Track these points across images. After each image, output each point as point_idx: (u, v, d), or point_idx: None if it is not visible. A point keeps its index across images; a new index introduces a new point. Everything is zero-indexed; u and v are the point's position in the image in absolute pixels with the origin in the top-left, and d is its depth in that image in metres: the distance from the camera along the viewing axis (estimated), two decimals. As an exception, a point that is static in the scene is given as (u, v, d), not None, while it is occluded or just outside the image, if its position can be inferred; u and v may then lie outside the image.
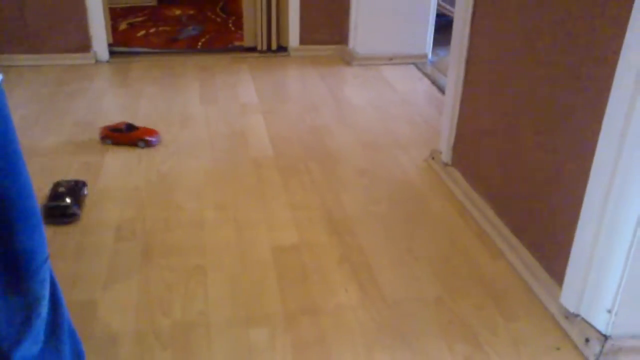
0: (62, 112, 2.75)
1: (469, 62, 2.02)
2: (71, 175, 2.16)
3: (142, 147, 2.37)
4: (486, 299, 1.58)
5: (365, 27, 3.48)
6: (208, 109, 2.82)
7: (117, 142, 2.41)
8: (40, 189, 2.08)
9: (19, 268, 0.96)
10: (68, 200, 1.89)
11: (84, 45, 3.43)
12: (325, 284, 1.63)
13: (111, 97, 2.98)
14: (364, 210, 1.99)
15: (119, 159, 2.31)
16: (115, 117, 2.72)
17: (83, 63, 3.42)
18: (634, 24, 1.19)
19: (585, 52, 1.38)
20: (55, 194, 1.92)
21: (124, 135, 2.41)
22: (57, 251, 1.74)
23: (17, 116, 2.67)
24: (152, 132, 2.45)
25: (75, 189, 1.97)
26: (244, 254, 1.75)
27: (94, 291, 1.58)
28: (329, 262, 1.72)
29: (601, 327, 1.36)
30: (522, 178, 1.71)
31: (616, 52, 1.24)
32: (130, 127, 2.44)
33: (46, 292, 1.01)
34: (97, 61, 3.45)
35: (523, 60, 1.67)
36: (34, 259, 0.97)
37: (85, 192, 2.02)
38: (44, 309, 1.02)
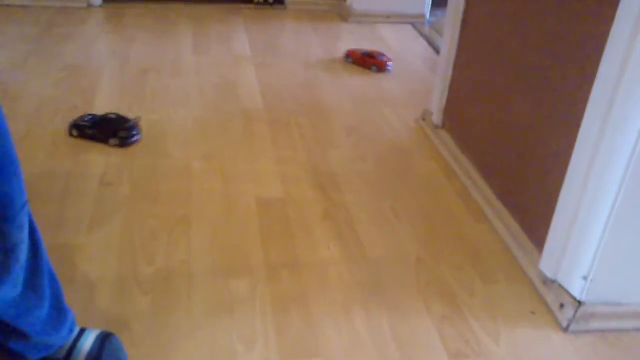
0: (51, 54, 2.71)
1: (464, 24, 1.99)
2: (60, 117, 2.15)
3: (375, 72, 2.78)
4: (466, 261, 1.60)
5: (364, -17, 3.43)
6: (200, 59, 2.78)
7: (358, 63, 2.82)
8: (22, 131, 2.07)
9: None
10: (131, 120, 2.08)
11: (77, -12, 3.36)
12: (308, 238, 1.64)
13: (102, 43, 2.93)
14: (350, 168, 1.99)
15: (109, 104, 2.29)
16: (106, 62, 2.69)
17: (75, 6, 3.36)
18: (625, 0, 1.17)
19: (578, 21, 1.37)
20: (118, 118, 2.09)
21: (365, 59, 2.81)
22: (41, 195, 1.74)
23: (4, 57, 2.64)
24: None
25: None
26: (229, 206, 1.75)
27: (77, 236, 1.59)
28: (312, 217, 1.73)
29: (576, 293, 1.38)
30: (509, 144, 1.71)
31: (608, 24, 1.23)
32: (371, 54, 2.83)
33: (25, 237, 1.01)
34: (90, 5, 3.39)
35: (517, 25, 1.65)
36: (12, 204, 0.97)
37: None
38: (23, 253, 1.02)
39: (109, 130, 2.03)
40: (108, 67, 2.64)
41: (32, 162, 1.89)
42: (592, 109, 1.28)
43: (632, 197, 1.26)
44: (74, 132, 2.04)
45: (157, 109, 2.28)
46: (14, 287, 1.03)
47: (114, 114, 2.11)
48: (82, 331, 1.20)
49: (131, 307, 1.37)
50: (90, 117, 2.08)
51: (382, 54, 2.82)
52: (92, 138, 2.03)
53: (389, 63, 2.80)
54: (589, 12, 1.33)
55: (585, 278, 1.36)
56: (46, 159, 1.92)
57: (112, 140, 2.01)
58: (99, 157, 1.94)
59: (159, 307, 1.38)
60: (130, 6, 3.45)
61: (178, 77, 2.57)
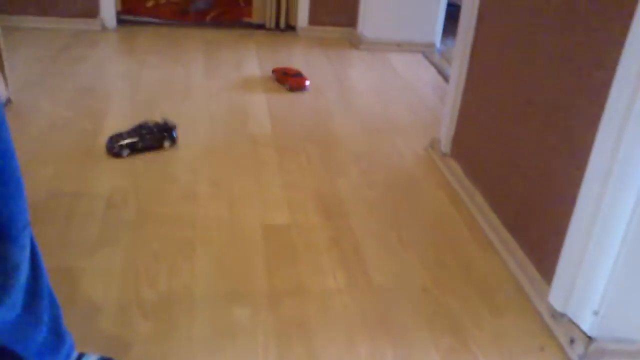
0: (64, 76, 2.74)
1: (473, 54, 1.99)
2: (70, 139, 2.15)
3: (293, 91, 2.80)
4: (473, 292, 1.57)
5: (375, 12, 3.45)
6: (211, 84, 2.79)
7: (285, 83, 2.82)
8: (30, 151, 2.07)
9: None
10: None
11: (92, 11, 3.40)
12: (313, 266, 1.62)
13: (115, 65, 2.95)
14: (358, 195, 1.97)
15: (117, 126, 2.29)
16: (118, 85, 2.70)
17: (90, 29, 3.39)
18: (636, 30, 1.16)
19: (587, 53, 1.36)
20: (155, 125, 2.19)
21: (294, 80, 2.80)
22: (47, 217, 1.73)
23: (18, 77, 2.65)
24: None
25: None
26: (234, 231, 1.74)
27: (80, 258, 1.58)
28: (318, 244, 1.71)
29: (586, 328, 1.35)
30: (518, 174, 1.69)
31: (616, 56, 1.22)
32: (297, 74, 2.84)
33: (26, 258, 1.00)
34: (104, 28, 3.43)
35: (526, 56, 1.64)
36: (14, 224, 0.96)
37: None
38: (23, 275, 1.00)
39: (159, 136, 2.15)
40: (120, 90, 2.65)
41: (39, 182, 1.89)
42: (602, 139, 1.26)
43: (644, 231, 1.24)
44: (125, 152, 2.09)
45: (166, 133, 2.28)
46: (12, 309, 1.01)
47: (145, 123, 2.20)
48: (80, 356, 1.18)
49: (132, 331, 1.35)
50: (128, 133, 2.14)
51: (299, 73, 2.84)
52: (147, 149, 2.13)
53: (307, 82, 2.81)
54: (599, 40, 1.32)
55: (596, 313, 1.32)
56: (53, 180, 1.92)
57: (166, 143, 2.16)
58: (106, 180, 1.94)
59: (160, 332, 1.36)
60: (144, 30, 3.49)
61: (188, 102, 2.58)
